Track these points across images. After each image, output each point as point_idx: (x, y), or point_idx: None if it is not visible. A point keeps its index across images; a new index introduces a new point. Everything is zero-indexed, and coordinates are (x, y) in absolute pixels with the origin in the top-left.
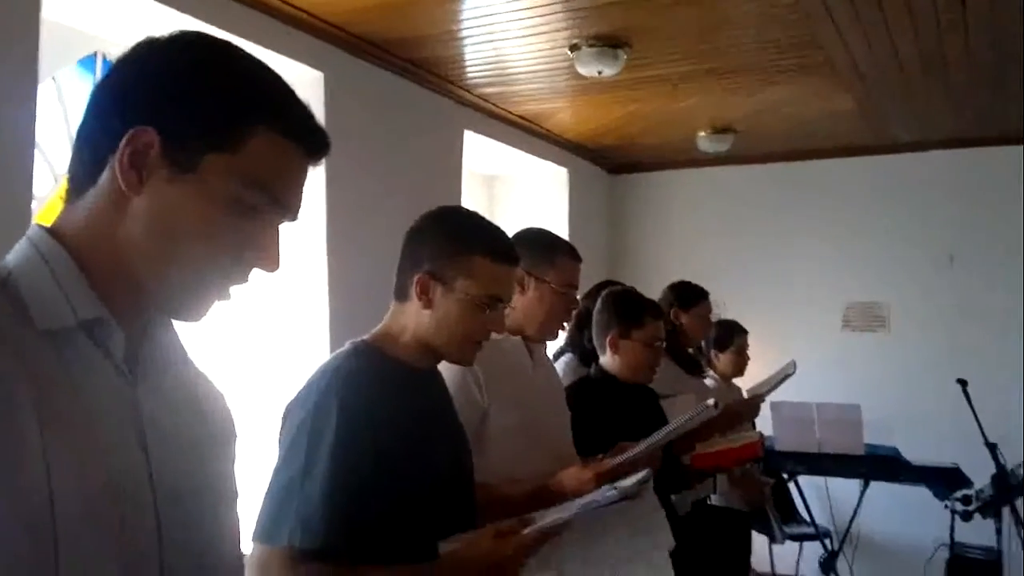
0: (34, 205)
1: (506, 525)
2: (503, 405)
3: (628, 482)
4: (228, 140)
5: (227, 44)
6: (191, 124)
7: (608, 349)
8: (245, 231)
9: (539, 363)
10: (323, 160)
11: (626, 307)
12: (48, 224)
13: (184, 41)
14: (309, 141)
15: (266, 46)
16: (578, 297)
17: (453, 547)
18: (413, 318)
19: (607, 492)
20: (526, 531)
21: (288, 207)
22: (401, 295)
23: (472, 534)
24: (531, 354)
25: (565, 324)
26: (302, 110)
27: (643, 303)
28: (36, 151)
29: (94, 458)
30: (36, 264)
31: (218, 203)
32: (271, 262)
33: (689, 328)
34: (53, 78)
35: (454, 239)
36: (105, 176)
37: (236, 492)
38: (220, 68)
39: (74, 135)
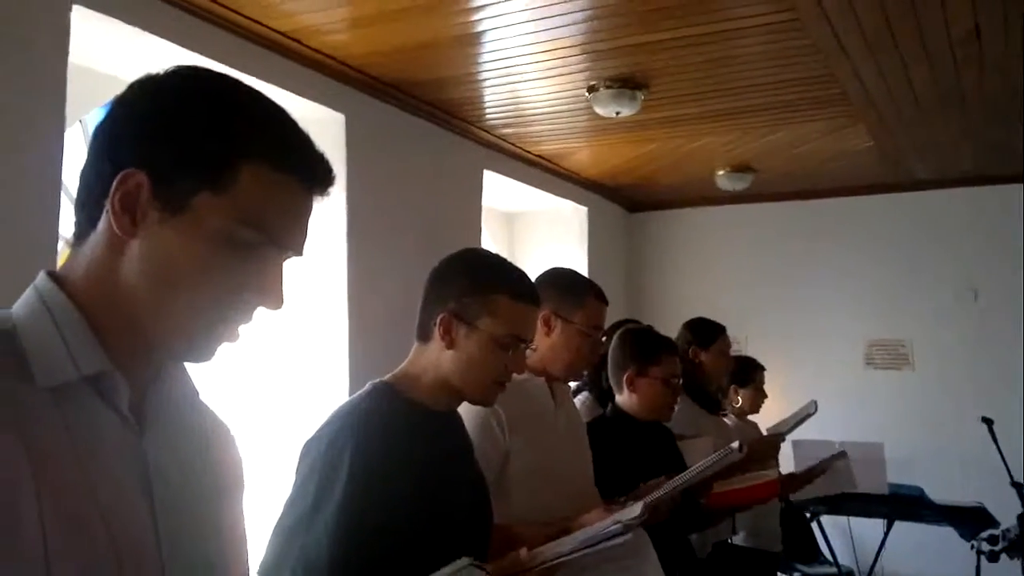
0: (60, 247)
1: (507, 561)
2: (525, 447)
3: (628, 515)
4: (218, 178)
5: (221, 77)
6: (178, 163)
7: (625, 387)
8: (244, 270)
9: (561, 404)
10: (328, 192)
11: (642, 345)
12: (56, 270)
13: (176, 77)
14: (307, 173)
15: (288, 89)
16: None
17: None
18: (435, 358)
19: (610, 526)
20: (526, 561)
21: (288, 244)
22: (423, 335)
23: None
24: (554, 395)
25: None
26: (298, 140)
27: (659, 340)
28: (63, 194)
29: (94, 523)
30: (40, 315)
31: (212, 243)
32: (274, 301)
33: (708, 366)
34: (80, 121)
35: (477, 279)
36: (102, 221)
37: (245, 540)
38: (207, 103)
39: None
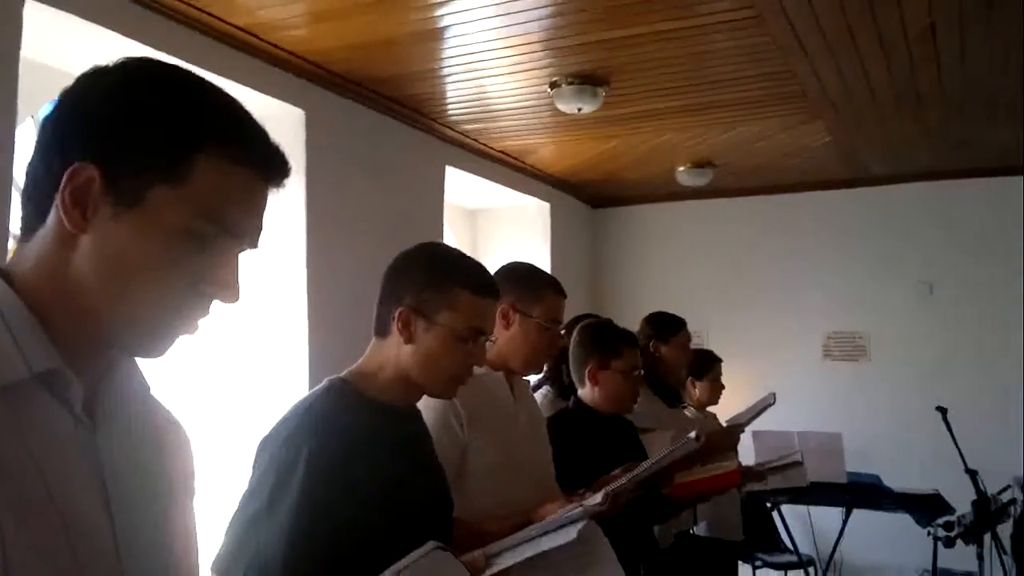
0: (10, 243)
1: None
2: (484, 441)
3: (590, 501)
4: (172, 171)
5: (172, 68)
6: (130, 157)
7: (587, 381)
8: (199, 263)
9: (520, 398)
10: (284, 183)
11: (602, 338)
12: (1, 266)
13: (126, 68)
14: (262, 164)
15: (247, 84)
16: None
17: None
18: (394, 353)
19: (571, 512)
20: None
21: (243, 236)
22: (381, 330)
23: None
24: (512, 389)
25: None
26: (253, 132)
27: (619, 333)
28: (14, 190)
29: (50, 520)
30: None
31: (167, 237)
32: (230, 294)
33: (668, 359)
34: (32, 117)
35: (436, 273)
36: (52, 215)
37: (196, 537)
38: (159, 95)
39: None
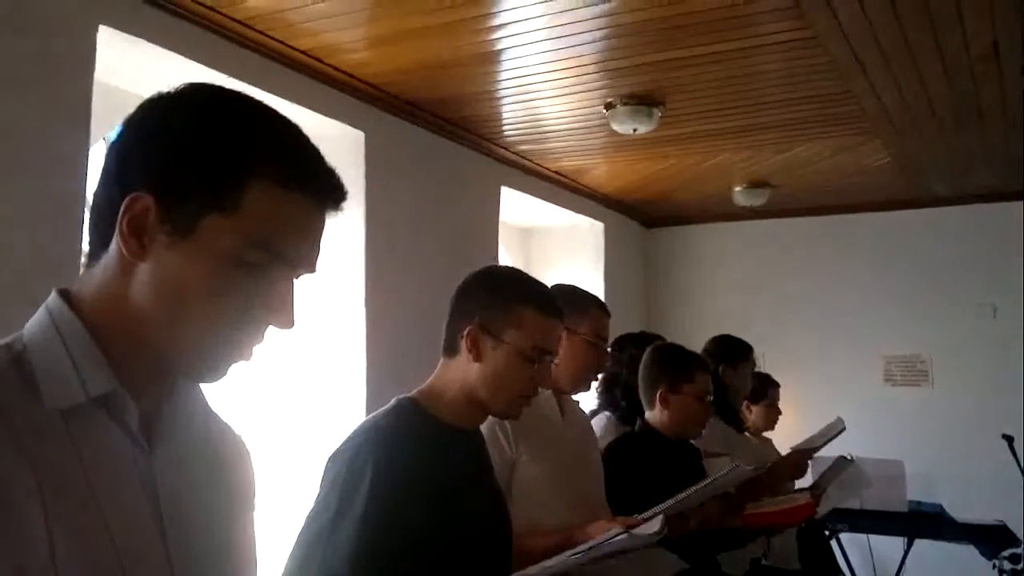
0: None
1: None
2: (531, 456)
3: (642, 531)
4: (223, 199)
5: (228, 95)
6: (184, 186)
7: (658, 404)
8: (254, 290)
9: (569, 416)
10: (340, 208)
11: (676, 361)
12: (68, 289)
13: (183, 96)
14: (316, 190)
15: (308, 107)
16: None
17: None
18: (461, 372)
19: (619, 538)
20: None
21: (298, 262)
22: (450, 350)
23: None
24: (561, 408)
25: (597, 376)
26: (307, 158)
27: (692, 357)
28: (87, 212)
29: (104, 539)
30: (50, 336)
31: (220, 265)
32: (285, 320)
33: (734, 384)
34: (104, 139)
35: (503, 293)
36: (113, 243)
37: (255, 557)
38: (212, 123)
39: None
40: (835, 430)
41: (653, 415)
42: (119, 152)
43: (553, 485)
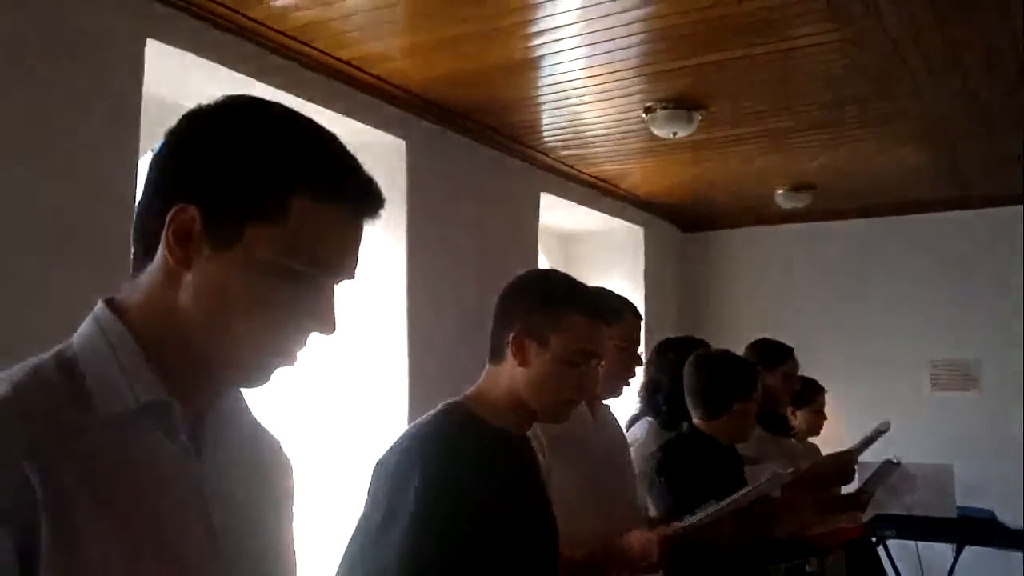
0: None
1: None
2: (565, 465)
3: None
4: (268, 211)
5: (269, 107)
6: (227, 198)
7: (730, 412)
8: (297, 298)
9: (601, 421)
10: (379, 215)
11: (743, 373)
12: (114, 298)
13: (224, 108)
14: (357, 201)
15: (350, 115)
16: (646, 350)
17: None
18: (507, 377)
19: None
20: None
21: (339, 270)
22: (496, 356)
23: None
24: (593, 414)
25: (629, 381)
26: (347, 169)
27: (751, 366)
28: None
29: (159, 546)
30: (99, 346)
31: (265, 274)
32: (328, 327)
33: (774, 388)
34: (152, 151)
35: (547, 297)
36: (159, 253)
37: (296, 559)
38: (254, 136)
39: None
40: (878, 432)
41: (713, 424)
42: (162, 164)
43: (585, 492)
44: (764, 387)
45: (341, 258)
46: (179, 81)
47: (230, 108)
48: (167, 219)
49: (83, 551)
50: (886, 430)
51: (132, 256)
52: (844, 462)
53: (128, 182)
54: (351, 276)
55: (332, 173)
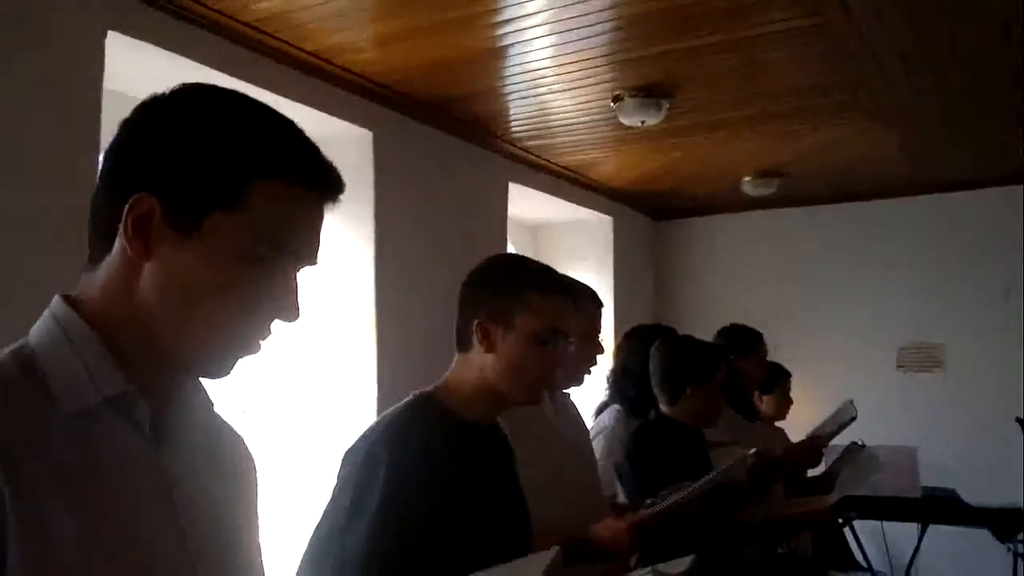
0: None
1: None
2: (529, 458)
3: (672, 571)
4: (228, 197)
5: (225, 94)
6: (187, 186)
7: (687, 399)
8: (259, 284)
9: (562, 411)
10: (339, 200)
11: (700, 355)
12: (70, 294)
13: (180, 96)
14: (317, 185)
15: (317, 107)
16: (615, 339)
17: None
18: (476, 366)
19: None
20: None
21: (302, 256)
22: (463, 345)
23: None
24: (554, 403)
25: (590, 370)
26: (306, 153)
27: (711, 349)
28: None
29: (128, 539)
30: (58, 341)
31: (227, 261)
32: (291, 313)
33: (747, 373)
34: None
35: (509, 279)
36: (116, 245)
37: (261, 548)
38: (211, 123)
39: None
40: (847, 416)
41: (676, 409)
42: (118, 154)
43: (549, 482)
44: (738, 373)
45: (303, 243)
46: (140, 74)
47: (186, 96)
48: (125, 210)
49: (51, 548)
50: (854, 416)
51: (89, 249)
52: (814, 450)
53: (88, 178)
54: (313, 262)
55: (291, 157)
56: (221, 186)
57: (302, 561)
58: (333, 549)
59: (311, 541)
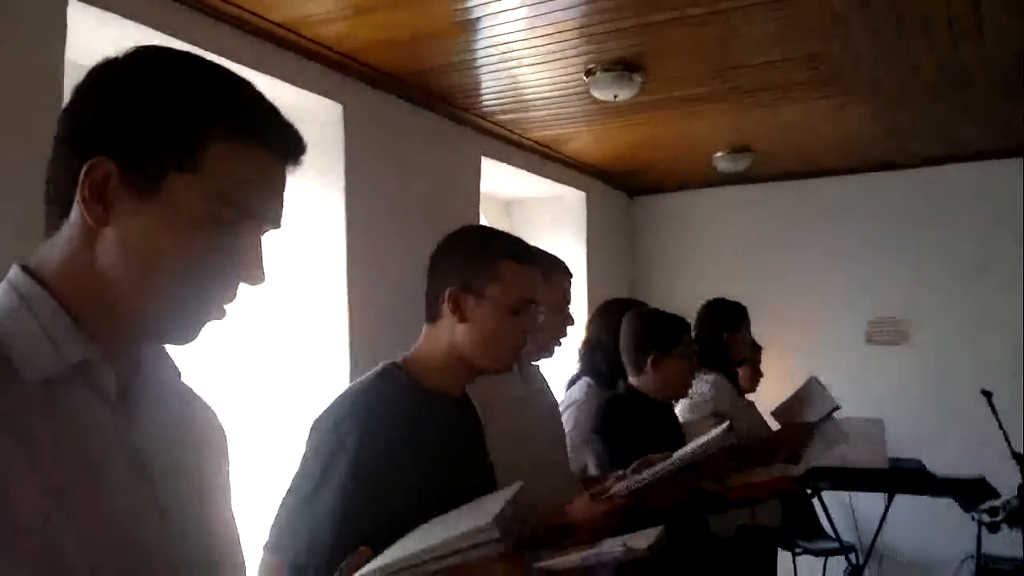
0: None
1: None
2: (501, 437)
3: (640, 544)
4: (186, 159)
5: (180, 55)
6: (144, 148)
7: (649, 368)
8: (222, 247)
9: (532, 384)
10: (300, 161)
11: (662, 326)
12: (28, 263)
13: (133, 58)
14: (276, 144)
15: (285, 80)
16: (578, 318)
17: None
18: (446, 335)
19: (615, 549)
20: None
21: (264, 217)
22: (432, 315)
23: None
24: (524, 377)
25: (561, 342)
26: (265, 113)
27: (676, 320)
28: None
29: (100, 508)
30: (18, 311)
31: (187, 224)
32: (255, 276)
33: (737, 347)
34: None
35: (478, 249)
36: (74, 211)
37: (229, 491)
38: (166, 84)
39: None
40: (831, 407)
41: (640, 380)
42: (73, 118)
43: (518, 455)
44: (728, 346)
45: (264, 205)
46: (104, 45)
47: (140, 57)
48: (81, 175)
49: (20, 516)
50: (838, 407)
51: (45, 218)
52: (809, 430)
53: (48, 152)
54: (277, 225)
55: (248, 116)
56: (178, 147)
57: (272, 531)
58: (302, 521)
59: (279, 513)
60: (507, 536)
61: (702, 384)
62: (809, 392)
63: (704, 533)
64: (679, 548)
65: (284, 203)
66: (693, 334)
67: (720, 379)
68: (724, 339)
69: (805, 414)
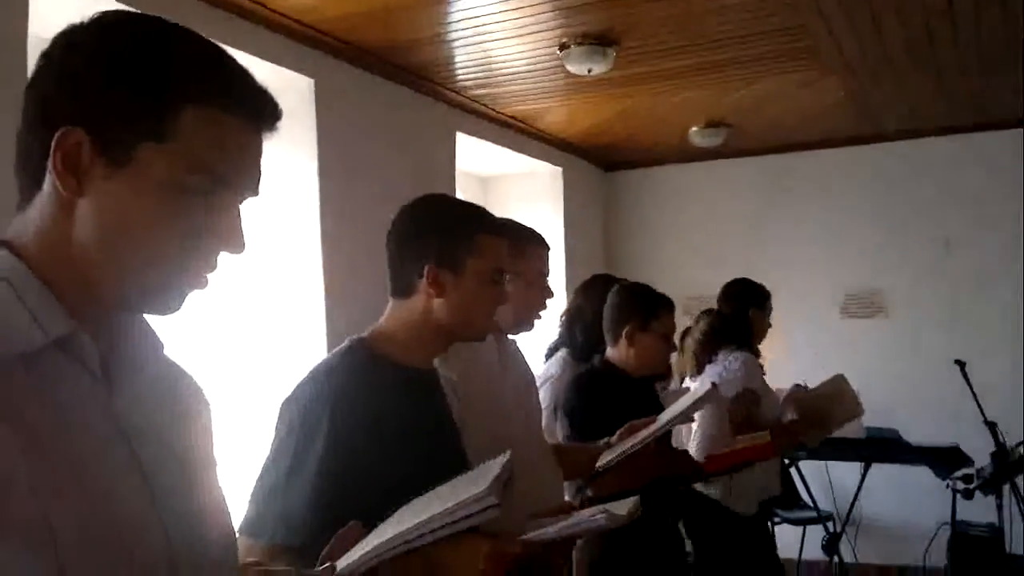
0: None
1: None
2: (479, 416)
3: (619, 511)
4: (157, 126)
5: (149, 20)
6: (114, 116)
7: (624, 342)
8: (199, 216)
9: (508, 359)
10: (276, 127)
11: (643, 300)
12: (4, 236)
13: (100, 25)
14: (250, 111)
15: (256, 54)
16: (567, 293)
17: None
18: (419, 310)
19: (597, 518)
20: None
21: (240, 185)
22: (403, 291)
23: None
24: (501, 351)
25: (540, 315)
26: (238, 78)
27: (659, 296)
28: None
29: (87, 484)
30: None
31: (163, 193)
32: (234, 245)
33: (760, 325)
34: None
35: (453, 224)
36: (47, 182)
37: (215, 464)
38: (136, 50)
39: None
40: (854, 411)
41: (616, 353)
42: (41, 88)
43: (494, 430)
44: (752, 324)
45: (240, 173)
46: (66, 19)
47: (106, 23)
48: (52, 146)
49: (6, 487)
50: (862, 413)
51: (19, 191)
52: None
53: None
54: (255, 193)
55: (224, 83)
56: (149, 114)
57: (248, 513)
58: (278, 501)
59: (254, 493)
60: (503, 503)
61: (732, 361)
62: (837, 390)
63: (679, 499)
64: (656, 517)
65: (261, 170)
66: (715, 308)
67: (751, 357)
68: (749, 316)
69: (832, 413)
